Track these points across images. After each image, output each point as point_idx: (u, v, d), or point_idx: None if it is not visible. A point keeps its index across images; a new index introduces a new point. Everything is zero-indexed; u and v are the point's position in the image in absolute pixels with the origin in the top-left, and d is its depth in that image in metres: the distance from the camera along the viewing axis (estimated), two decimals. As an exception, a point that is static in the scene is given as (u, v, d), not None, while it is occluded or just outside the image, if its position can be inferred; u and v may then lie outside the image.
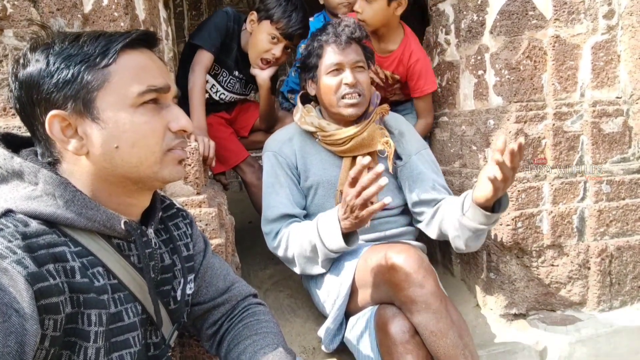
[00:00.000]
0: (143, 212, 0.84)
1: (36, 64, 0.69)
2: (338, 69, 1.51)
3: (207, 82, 1.95)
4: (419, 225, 1.64)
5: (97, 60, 0.70)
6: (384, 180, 1.14)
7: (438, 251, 2.05)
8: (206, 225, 1.30)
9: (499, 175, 1.16)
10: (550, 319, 1.61)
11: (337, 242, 1.31)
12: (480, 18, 1.70)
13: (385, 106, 1.63)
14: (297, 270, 1.53)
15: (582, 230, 1.63)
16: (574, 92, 1.65)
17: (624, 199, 1.64)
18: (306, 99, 1.68)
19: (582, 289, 1.64)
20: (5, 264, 0.58)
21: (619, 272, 1.64)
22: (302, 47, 1.70)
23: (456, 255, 1.92)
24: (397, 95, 2.09)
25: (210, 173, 1.97)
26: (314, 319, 1.70)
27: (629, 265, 1.65)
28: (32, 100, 0.70)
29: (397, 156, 1.64)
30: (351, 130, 1.53)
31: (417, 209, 1.62)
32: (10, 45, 1.13)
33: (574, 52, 1.63)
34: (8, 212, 0.66)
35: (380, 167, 1.14)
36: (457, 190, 1.74)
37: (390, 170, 1.59)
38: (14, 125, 1.15)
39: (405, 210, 1.67)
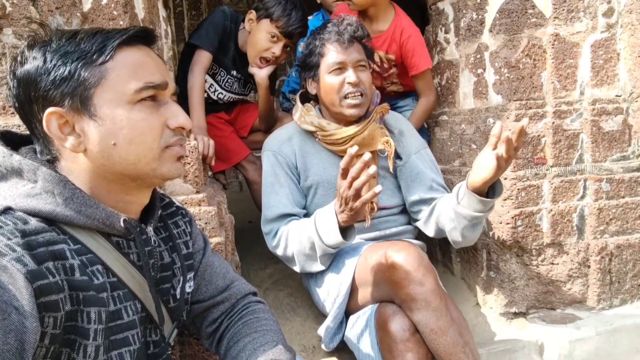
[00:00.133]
0: (142, 210, 0.84)
1: (33, 62, 0.69)
2: (341, 67, 1.50)
3: (205, 81, 1.95)
4: (417, 224, 1.64)
5: (94, 57, 0.70)
6: (372, 169, 1.14)
7: (438, 250, 2.05)
8: (206, 223, 1.30)
9: (504, 152, 1.19)
10: (550, 318, 1.61)
11: (334, 237, 1.31)
12: (480, 16, 1.70)
13: (386, 105, 1.63)
14: (297, 268, 1.53)
15: (582, 228, 1.63)
16: (574, 90, 1.65)
17: (623, 197, 1.64)
18: (305, 98, 1.67)
19: (582, 287, 1.64)
20: (5, 262, 0.58)
21: (619, 271, 1.64)
22: (301, 45, 1.70)
23: (456, 254, 1.92)
24: (395, 85, 2.07)
25: (209, 172, 1.97)
26: (313, 317, 1.70)
27: (629, 264, 1.65)
28: (29, 97, 0.70)
29: (397, 155, 1.64)
30: (351, 129, 1.53)
31: (414, 208, 1.62)
32: (9, 43, 1.13)
33: (573, 51, 1.63)
34: (7, 210, 0.66)
35: (367, 156, 1.15)
36: (457, 189, 1.74)
37: (391, 169, 1.59)
38: (14, 124, 1.15)
39: (405, 210, 1.67)
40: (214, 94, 2.06)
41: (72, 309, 0.65)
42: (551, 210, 1.60)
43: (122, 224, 0.74)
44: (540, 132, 1.61)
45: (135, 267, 0.79)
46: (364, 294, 1.37)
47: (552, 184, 1.60)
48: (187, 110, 1.78)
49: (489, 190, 1.34)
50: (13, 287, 0.57)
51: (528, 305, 1.65)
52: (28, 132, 0.76)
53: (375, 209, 1.56)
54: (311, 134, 1.61)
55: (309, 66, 1.57)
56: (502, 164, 1.21)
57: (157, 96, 0.76)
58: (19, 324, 0.56)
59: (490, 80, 1.69)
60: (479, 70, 1.74)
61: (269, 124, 2.10)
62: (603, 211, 1.62)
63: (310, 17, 2.01)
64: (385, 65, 1.98)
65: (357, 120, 1.55)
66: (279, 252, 1.54)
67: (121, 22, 1.19)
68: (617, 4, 1.64)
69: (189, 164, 1.35)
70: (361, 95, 1.50)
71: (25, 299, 0.57)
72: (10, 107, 1.15)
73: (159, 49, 1.37)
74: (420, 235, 1.70)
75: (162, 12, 1.56)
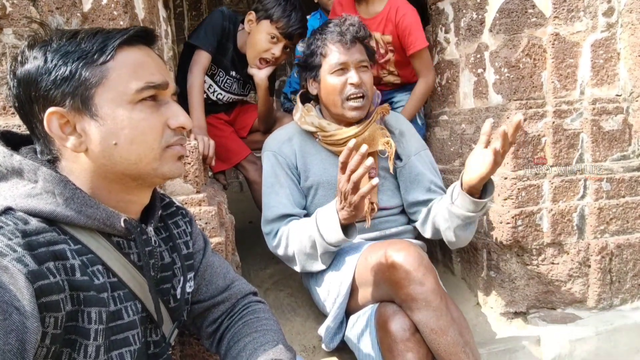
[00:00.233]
0: (143, 210, 0.84)
1: (34, 61, 0.69)
2: (343, 68, 1.50)
3: (204, 82, 1.95)
4: (415, 225, 1.64)
5: (95, 57, 0.70)
6: (369, 160, 1.15)
7: (438, 250, 2.05)
8: (206, 223, 1.30)
9: (500, 147, 1.19)
10: (551, 317, 1.61)
11: (336, 235, 1.31)
12: (480, 16, 1.70)
13: (386, 106, 1.63)
14: (297, 268, 1.53)
15: (582, 228, 1.63)
16: (574, 90, 1.64)
17: (624, 196, 1.64)
18: (306, 98, 1.67)
19: (583, 287, 1.64)
20: (6, 262, 0.58)
21: (619, 270, 1.64)
22: (299, 45, 1.69)
23: (456, 254, 1.92)
24: (392, 75, 2.05)
25: (210, 173, 1.97)
26: (314, 317, 1.70)
27: (629, 263, 1.65)
28: (30, 97, 0.70)
29: (397, 156, 1.64)
30: (352, 130, 1.53)
31: (412, 209, 1.62)
32: (9, 43, 1.13)
33: (573, 50, 1.63)
34: (8, 210, 0.66)
35: (364, 148, 1.16)
36: (457, 189, 1.74)
37: (391, 170, 1.59)
38: (14, 124, 1.15)
39: (405, 210, 1.67)
40: (214, 95, 2.06)
41: (73, 309, 0.65)
42: (551, 210, 1.60)
43: (122, 224, 0.74)
44: (540, 131, 1.61)
45: (136, 267, 0.79)
46: (364, 293, 1.37)
47: (552, 183, 1.60)
48: (186, 110, 1.77)
49: (482, 191, 1.34)
50: (14, 287, 0.57)
51: (528, 305, 1.65)
52: (28, 132, 0.76)
53: (376, 209, 1.56)
54: (311, 134, 1.61)
55: (311, 66, 1.57)
56: (498, 160, 1.22)
57: (158, 96, 0.76)
58: (20, 324, 0.56)
59: (491, 80, 1.69)
60: (479, 70, 1.74)
61: (268, 125, 2.10)
62: (603, 211, 1.62)
63: (307, 16, 2.01)
64: (382, 50, 1.96)
65: (358, 120, 1.55)
66: (280, 251, 1.54)
67: (121, 23, 1.19)
68: (617, 3, 1.64)
69: (189, 164, 1.35)
70: (363, 97, 1.50)
71: (26, 299, 0.57)
72: (10, 107, 1.15)
73: (159, 49, 1.37)
74: (420, 235, 1.70)
75: (162, 13, 1.56)
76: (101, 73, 0.70)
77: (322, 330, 1.46)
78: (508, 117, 1.61)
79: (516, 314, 1.66)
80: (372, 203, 1.53)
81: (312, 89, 1.60)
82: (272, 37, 1.83)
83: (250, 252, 2.16)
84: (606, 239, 1.63)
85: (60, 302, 0.62)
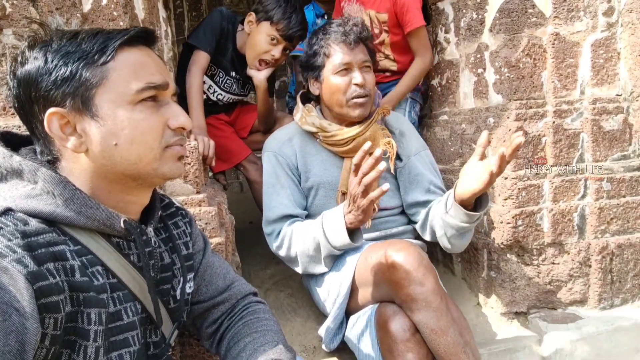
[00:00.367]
0: (142, 211, 0.84)
1: (34, 62, 0.69)
2: (347, 68, 1.50)
3: (204, 82, 1.95)
4: (415, 227, 1.64)
5: (96, 57, 0.70)
6: (382, 165, 1.15)
7: (439, 250, 2.05)
8: (206, 224, 1.30)
9: (495, 168, 1.17)
10: (551, 317, 1.61)
11: (341, 238, 1.32)
12: (480, 16, 1.70)
13: (387, 106, 1.63)
14: (299, 269, 1.53)
15: (582, 228, 1.63)
16: (574, 89, 1.64)
17: (624, 196, 1.64)
18: (306, 99, 1.67)
19: (583, 287, 1.64)
20: (5, 263, 0.58)
21: (620, 270, 1.64)
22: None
23: (457, 254, 1.91)
24: (388, 60, 2.03)
25: (210, 173, 1.97)
26: (314, 318, 1.69)
27: (630, 263, 1.65)
28: (30, 98, 0.70)
29: (397, 157, 1.63)
30: (353, 130, 1.53)
31: (411, 210, 1.62)
32: (9, 44, 1.13)
33: (573, 50, 1.63)
34: (7, 211, 0.66)
35: (378, 151, 1.16)
36: (458, 189, 1.73)
37: (392, 170, 1.59)
38: (14, 124, 1.15)
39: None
40: (214, 95, 2.06)
41: (73, 310, 0.65)
42: (552, 209, 1.60)
43: (122, 224, 0.74)
44: (540, 131, 1.61)
45: (136, 268, 0.78)
46: (364, 294, 1.37)
47: (552, 183, 1.60)
48: (186, 110, 1.77)
49: (476, 201, 1.33)
50: (14, 288, 0.57)
51: (529, 305, 1.65)
52: (28, 133, 0.76)
53: (376, 209, 1.56)
54: (312, 134, 1.61)
55: (313, 66, 1.57)
56: (493, 179, 1.21)
57: (158, 96, 0.76)
58: (20, 325, 0.56)
59: (491, 79, 1.69)
60: (479, 70, 1.73)
61: (268, 125, 2.10)
62: (604, 210, 1.62)
63: None
64: (376, 30, 1.93)
65: (359, 121, 1.55)
66: (282, 252, 1.53)
67: (121, 23, 1.19)
68: (617, 3, 1.64)
69: (189, 164, 1.35)
70: (366, 96, 1.51)
71: (25, 300, 0.57)
72: (10, 107, 1.15)
73: (159, 49, 1.37)
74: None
75: (162, 13, 1.56)
76: (102, 73, 0.70)
77: (322, 331, 1.46)
78: (508, 117, 1.61)
79: (517, 314, 1.66)
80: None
81: (314, 89, 1.60)
82: (272, 39, 1.82)
83: (251, 253, 2.16)
84: (607, 238, 1.63)
85: (60, 303, 0.62)
